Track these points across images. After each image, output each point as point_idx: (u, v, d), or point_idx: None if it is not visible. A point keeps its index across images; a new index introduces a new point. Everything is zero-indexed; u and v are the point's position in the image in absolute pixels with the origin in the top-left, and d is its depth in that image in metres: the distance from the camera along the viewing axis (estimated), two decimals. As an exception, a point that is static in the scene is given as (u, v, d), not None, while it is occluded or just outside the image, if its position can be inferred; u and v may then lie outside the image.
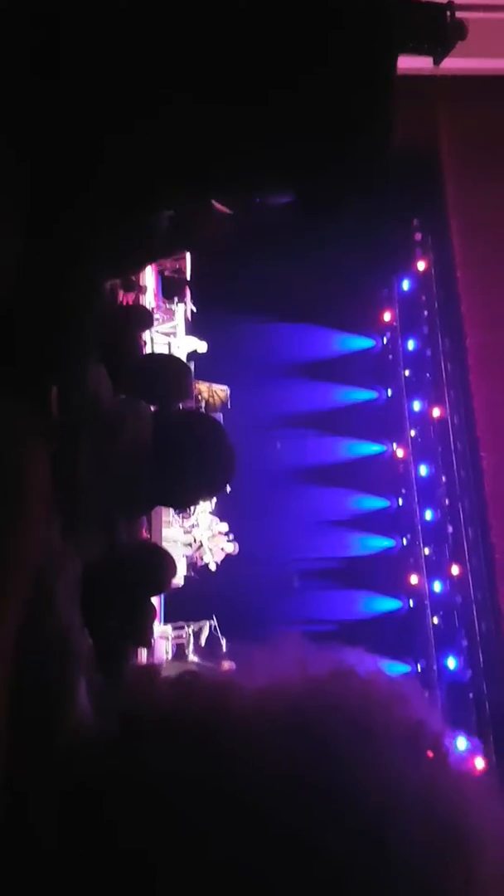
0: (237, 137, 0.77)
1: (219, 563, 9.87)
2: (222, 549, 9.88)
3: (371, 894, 0.58)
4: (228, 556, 9.99)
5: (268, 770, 0.61)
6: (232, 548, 9.96)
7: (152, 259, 1.98)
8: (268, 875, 0.58)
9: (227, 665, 0.78)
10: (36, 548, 0.63)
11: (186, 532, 9.81)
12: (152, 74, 0.74)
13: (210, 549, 9.77)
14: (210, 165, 0.78)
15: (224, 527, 10.03)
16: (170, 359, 3.82)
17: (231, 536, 10.07)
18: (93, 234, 0.80)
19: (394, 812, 0.60)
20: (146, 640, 2.51)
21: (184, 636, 9.35)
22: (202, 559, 9.72)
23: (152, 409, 2.01)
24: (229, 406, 10.59)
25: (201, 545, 9.72)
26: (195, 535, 9.77)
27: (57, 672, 0.68)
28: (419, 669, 10.93)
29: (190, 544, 9.74)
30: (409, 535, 11.96)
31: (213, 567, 9.77)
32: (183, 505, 5.57)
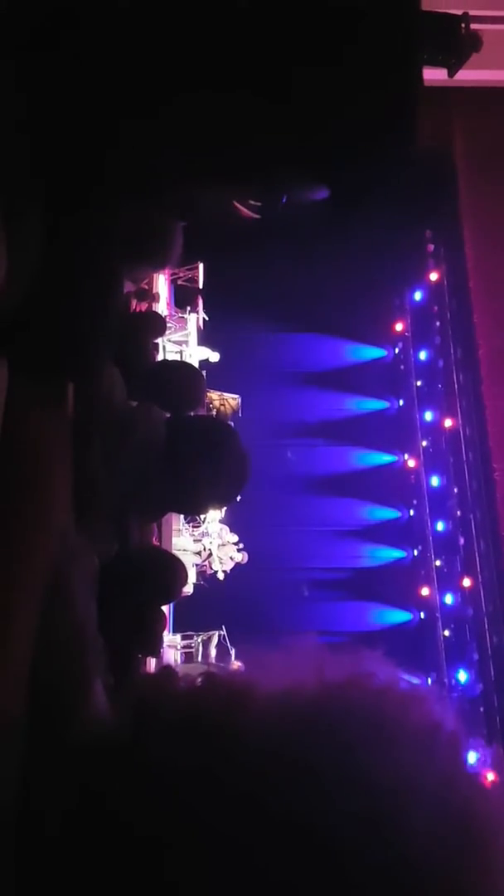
0: (259, 132, 0.77)
1: (228, 571, 9.87)
2: (231, 557, 9.88)
3: (388, 889, 0.58)
4: (237, 566, 9.99)
5: (284, 770, 0.61)
6: (241, 557, 9.95)
7: (166, 263, 1.98)
8: (285, 872, 0.58)
9: (239, 667, 0.78)
10: (53, 537, 0.63)
11: (196, 541, 9.82)
12: (173, 68, 0.74)
13: (219, 558, 9.77)
14: (233, 160, 0.78)
15: (234, 537, 10.03)
16: (183, 366, 3.83)
17: (241, 546, 10.07)
18: (111, 233, 0.80)
19: (410, 811, 0.60)
20: (155, 648, 2.49)
21: (193, 646, 9.34)
22: (211, 567, 9.73)
23: (166, 414, 2.01)
24: (240, 415, 10.62)
25: (210, 554, 9.73)
26: (205, 544, 9.78)
27: (73, 665, 0.67)
28: (430, 682, 10.86)
29: (199, 553, 9.74)
30: (420, 547, 11.91)
31: (221, 576, 9.76)
32: (195, 511, 5.56)
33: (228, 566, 9.87)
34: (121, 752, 0.65)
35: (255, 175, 0.83)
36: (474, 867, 0.62)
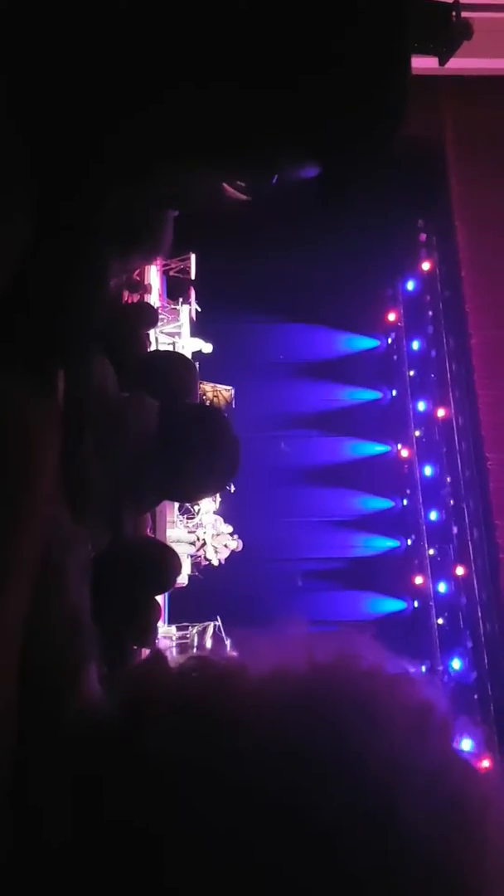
0: (247, 114, 0.77)
1: (223, 560, 9.88)
2: (226, 545, 9.90)
3: (382, 869, 0.58)
4: (233, 557, 10.01)
5: (275, 752, 0.61)
6: (236, 544, 9.97)
7: (157, 252, 1.97)
8: (275, 855, 0.58)
9: (231, 652, 0.78)
10: (43, 523, 0.63)
11: (190, 532, 9.84)
12: (161, 54, 0.74)
13: (214, 547, 9.79)
14: (220, 140, 0.78)
15: (228, 528, 10.04)
16: (175, 355, 3.83)
17: (235, 536, 10.09)
18: (100, 218, 0.80)
19: (401, 789, 0.60)
20: (149, 638, 2.50)
21: (188, 637, 9.36)
22: (206, 557, 9.75)
23: (158, 404, 2.01)
24: (234, 406, 10.62)
25: (205, 543, 9.75)
26: (198, 534, 9.79)
27: (66, 652, 0.68)
28: (423, 671, 10.91)
29: (193, 543, 9.76)
30: (413, 536, 11.95)
31: (216, 563, 9.78)
32: (188, 498, 5.57)
33: (224, 554, 9.89)
34: (114, 737, 0.65)
35: (244, 154, 0.83)
36: (466, 845, 0.62)
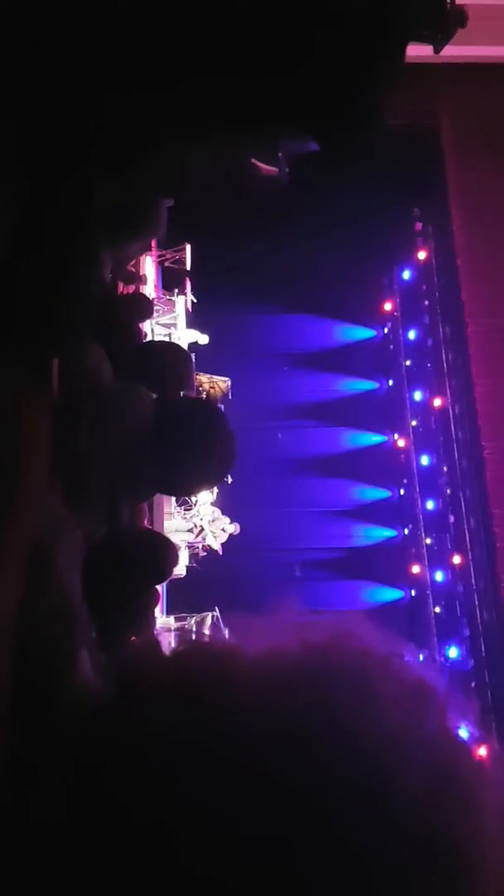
0: (245, 92, 0.78)
1: (223, 544, 9.88)
2: (223, 529, 9.90)
3: (378, 842, 0.59)
4: (231, 548, 10.01)
5: (269, 731, 0.62)
6: (234, 528, 9.97)
7: (151, 238, 1.96)
8: (273, 832, 0.59)
9: (226, 634, 0.79)
10: (34, 508, 0.64)
11: (187, 522, 9.85)
12: (155, 36, 0.74)
13: (212, 532, 9.80)
14: (221, 116, 0.79)
15: (226, 519, 10.05)
16: (170, 346, 3.81)
17: (232, 521, 10.10)
18: (91, 205, 0.81)
19: (396, 764, 0.61)
20: (146, 629, 2.50)
21: (187, 627, 9.37)
22: (205, 541, 9.76)
23: (153, 395, 2.00)
24: (230, 397, 10.61)
25: (202, 530, 9.75)
26: (195, 522, 9.80)
27: (59, 635, 0.69)
28: (421, 659, 10.93)
29: (191, 530, 9.77)
30: (410, 525, 11.98)
31: (216, 546, 9.78)
32: (184, 491, 5.56)
33: (223, 538, 9.90)
34: (109, 719, 0.66)
35: (247, 130, 0.84)
36: (461, 818, 0.63)
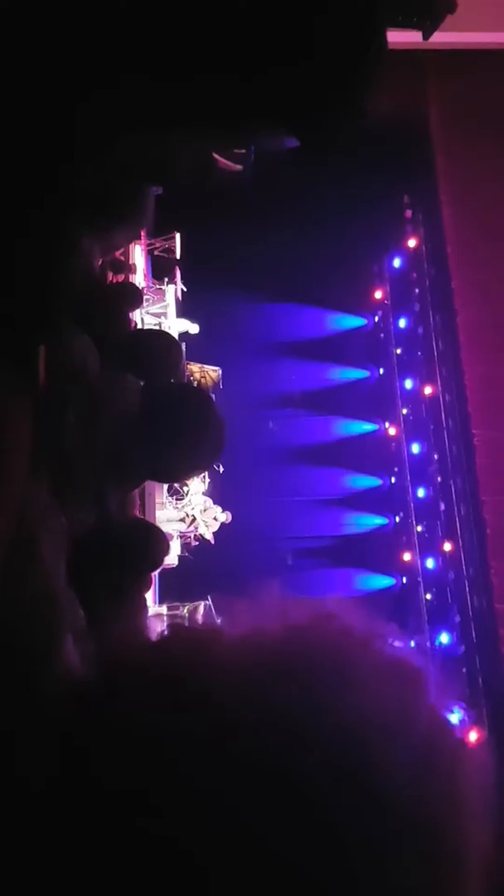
0: (227, 87, 0.78)
1: (215, 533, 9.90)
2: (215, 518, 9.92)
3: (358, 821, 0.60)
4: (223, 538, 10.03)
5: (249, 712, 0.63)
6: (225, 517, 9.99)
7: (138, 227, 1.96)
8: (255, 812, 0.60)
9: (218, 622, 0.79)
10: (15, 494, 0.64)
11: (179, 511, 9.86)
12: (134, 31, 0.74)
13: (204, 521, 9.82)
14: (201, 111, 0.79)
15: (218, 509, 10.06)
16: (159, 334, 3.80)
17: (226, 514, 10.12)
18: (69, 191, 0.80)
19: (377, 743, 0.62)
20: (137, 617, 2.51)
21: (179, 616, 9.41)
22: (197, 531, 9.77)
23: (141, 383, 2.00)
24: (221, 387, 10.59)
25: (194, 519, 9.77)
26: (187, 512, 9.82)
27: (42, 620, 0.69)
28: (413, 645, 11.01)
29: (183, 520, 9.78)
30: (401, 513, 12.03)
31: (208, 536, 9.80)
32: (173, 478, 5.57)
33: (214, 527, 9.92)
34: (93, 701, 0.67)
35: (224, 125, 0.84)
36: (443, 796, 0.64)
